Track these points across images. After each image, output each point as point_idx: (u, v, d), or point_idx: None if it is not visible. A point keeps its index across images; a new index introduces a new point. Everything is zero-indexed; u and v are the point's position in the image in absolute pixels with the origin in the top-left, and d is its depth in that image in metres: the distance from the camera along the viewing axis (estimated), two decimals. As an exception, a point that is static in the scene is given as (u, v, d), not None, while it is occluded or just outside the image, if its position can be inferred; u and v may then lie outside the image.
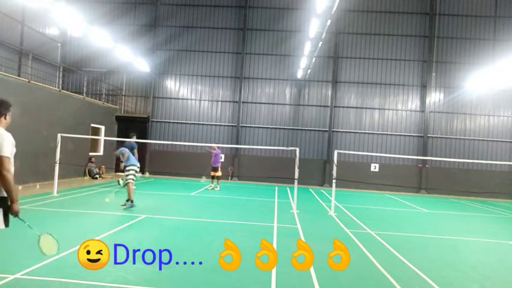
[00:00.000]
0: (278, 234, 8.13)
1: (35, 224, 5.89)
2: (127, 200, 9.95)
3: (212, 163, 16.35)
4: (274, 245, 7.14)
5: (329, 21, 13.88)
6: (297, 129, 22.26)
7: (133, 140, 16.30)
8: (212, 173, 16.50)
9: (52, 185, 12.50)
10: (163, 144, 21.92)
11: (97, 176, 18.29)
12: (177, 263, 5.79)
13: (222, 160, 16.53)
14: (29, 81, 14.65)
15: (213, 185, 16.58)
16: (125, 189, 10.24)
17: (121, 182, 10.89)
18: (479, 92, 21.33)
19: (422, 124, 21.77)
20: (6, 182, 3.91)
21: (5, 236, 6.69)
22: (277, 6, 22.48)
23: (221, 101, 22.71)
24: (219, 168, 16.36)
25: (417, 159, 21.12)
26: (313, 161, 21.94)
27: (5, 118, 4.29)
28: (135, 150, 16.41)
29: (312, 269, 5.74)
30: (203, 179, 16.10)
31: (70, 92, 17.98)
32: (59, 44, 22.63)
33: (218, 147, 16.77)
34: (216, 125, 22.56)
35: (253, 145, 21.64)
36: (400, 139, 21.90)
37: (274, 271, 5.56)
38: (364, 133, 21.98)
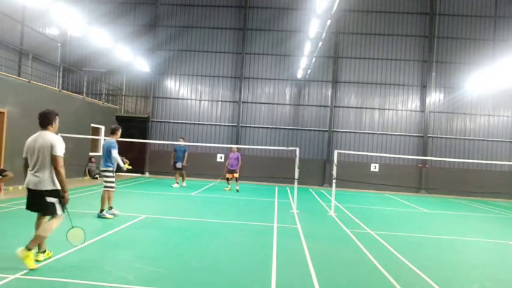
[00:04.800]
0: (278, 234, 8.14)
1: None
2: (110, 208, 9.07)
3: (229, 165, 16.17)
4: (274, 245, 7.14)
5: (329, 21, 13.88)
6: (297, 129, 22.26)
7: (182, 143, 16.41)
8: (228, 175, 16.30)
9: (52, 185, 12.49)
10: (163, 144, 21.92)
11: (97, 176, 18.29)
12: (177, 263, 5.80)
13: (240, 163, 16.28)
14: (29, 81, 14.65)
15: (229, 186, 16.50)
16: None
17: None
18: (479, 92, 21.33)
19: (422, 124, 21.78)
20: (61, 176, 5.01)
21: (5, 236, 6.71)
22: (277, 6, 22.48)
23: (221, 101, 22.71)
24: (237, 170, 16.14)
25: (417, 159, 21.13)
26: (313, 161, 21.95)
27: (53, 125, 5.23)
28: (186, 153, 16.50)
29: (312, 269, 5.75)
30: (219, 180, 16.14)
31: (70, 92, 17.97)
32: (59, 44, 22.63)
33: (233, 148, 16.63)
34: (216, 125, 22.57)
35: (253, 145, 21.64)
36: (400, 139, 21.91)
37: (274, 271, 5.56)
38: (364, 133, 21.98)
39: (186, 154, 16.62)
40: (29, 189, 5.15)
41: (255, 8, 22.62)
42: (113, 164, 8.94)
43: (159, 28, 22.93)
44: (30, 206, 5.21)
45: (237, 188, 16.34)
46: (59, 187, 5.06)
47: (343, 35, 22.29)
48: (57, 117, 5.27)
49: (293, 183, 12.14)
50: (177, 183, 16.55)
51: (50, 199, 5.03)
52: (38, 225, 5.32)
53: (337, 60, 22.23)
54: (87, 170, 18.38)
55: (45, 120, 5.17)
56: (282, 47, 22.43)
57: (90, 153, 19.09)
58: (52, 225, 5.14)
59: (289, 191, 17.02)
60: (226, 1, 22.74)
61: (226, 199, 13.84)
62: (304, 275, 5.48)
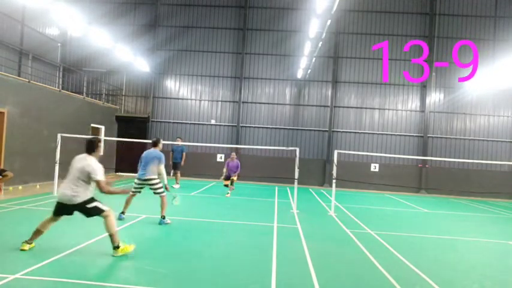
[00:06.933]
0: (278, 234, 8.13)
1: (35, 223, 5.92)
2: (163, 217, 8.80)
3: (227, 173, 14.73)
4: (274, 245, 7.14)
5: (329, 21, 13.89)
6: (297, 129, 22.26)
7: (179, 143, 16.18)
8: (226, 182, 14.73)
9: (52, 185, 12.50)
10: (163, 144, 21.86)
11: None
12: (177, 263, 5.80)
13: (239, 171, 15.02)
14: (29, 81, 14.65)
15: (232, 188, 14.98)
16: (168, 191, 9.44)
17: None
18: (479, 92, 21.33)
19: (422, 124, 21.77)
20: (109, 193, 5.90)
21: (5, 236, 6.71)
22: (277, 6, 22.48)
23: (221, 101, 22.71)
24: (234, 175, 14.81)
25: (417, 159, 21.12)
26: (313, 161, 21.95)
27: (95, 151, 6.02)
28: (185, 153, 16.19)
29: (312, 269, 5.75)
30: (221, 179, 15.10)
31: (70, 92, 17.98)
32: (59, 44, 22.62)
33: (232, 156, 15.24)
34: (216, 125, 22.57)
35: (253, 145, 21.64)
36: (400, 139, 21.91)
37: (274, 271, 5.56)
38: (364, 133, 21.98)
39: (184, 154, 16.53)
40: (61, 204, 5.79)
41: (255, 8, 22.62)
42: None
43: (159, 28, 22.93)
44: (60, 213, 5.91)
45: (230, 190, 14.76)
46: (91, 196, 5.84)
47: (343, 35, 22.29)
48: (99, 143, 6.15)
49: (293, 183, 12.14)
50: (177, 183, 16.53)
51: (90, 205, 5.78)
52: (45, 225, 5.94)
53: (337, 60, 22.23)
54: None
55: (90, 146, 6.01)
56: (282, 47, 22.43)
57: (90, 153, 19.07)
58: (110, 221, 5.85)
59: (289, 191, 17.02)
60: (226, 1, 22.73)
61: (226, 199, 13.84)
62: (304, 275, 5.48)
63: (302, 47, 19.55)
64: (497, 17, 21.63)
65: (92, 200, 5.84)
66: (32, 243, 5.88)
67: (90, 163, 5.80)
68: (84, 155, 5.99)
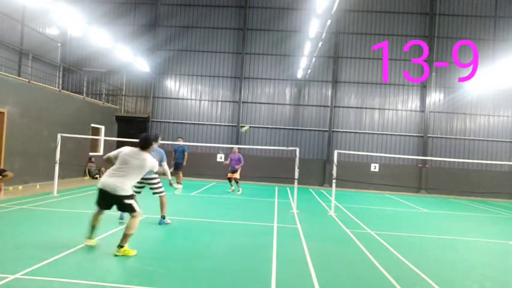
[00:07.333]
0: (278, 234, 8.13)
1: (35, 223, 5.90)
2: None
3: (230, 166, 15.31)
4: (274, 245, 7.14)
5: (329, 21, 13.89)
6: (297, 129, 22.27)
7: (181, 143, 15.84)
8: (230, 175, 15.43)
9: (52, 185, 12.50)
10: (163, 144, 21.82)
11: (97, 176, 18.29)
12: (177, 263, 5.80)
13: (242, 163, 15.42)
14: (29, 81, 14.64)
15: (233, 187, 15.74)
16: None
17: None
18: (479, 92, 21.33)
19: (422, 124, 21.78)
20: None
21: (5, 236, 6.71)
22: (277, 6, 22.48)
23: (221, 101, 22.71)
24: (238, 170, 15.29)
25: (417, 159, 21.13)
26: (313, 161, 21.95)
27: (149, 148, 6.18)
28: (186, 153, 15.48)
29: (312, 269, 5.75)
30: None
31: (70, 92, 17.97)
32: (59, 44, 22.62)
33: (233, 149, 15.59)
34: (216, 125, 22.57)
35: (253, 145, 21.64)
36: (400, 139, 21.91)
37: (274, 271, 5.56)
38: (364, 133, 21.98)
39: (185, 154, 16.44)
40: (103, 191, 5.85)
41: (255, 8, 22.62)
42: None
43: (159, 28, 22.93)
44: (102, 205, 6.03)
45: (239, 191, 15.52)
46: (132, 193, 6.03)
47: (343, 35, 22.29)
48: (154, 141, 6.53)
49: (293, 183, 12.13)
50: (178, 183, 16.45)
51: (127, 201, 5.87)
52: (95, 218, 6.15)
53: (337, 60, 22.23)
54: (87, 170, 18.38)
55: (145, 144, 6.11)
56: (282, 47, 22.43)
57: (90, 153, 19.08)
58: (135, 222, 5.97)
59: (289, 191, 17.02)
60: (226, 1, 22.74)
61: (226, 199, 13.84)
62: (304, 275, 5.48)
63: (302, 47, 19.55)
64: (497, 17, 21.64)
65: (132, 197, 6.02)
66: (93, 238, 6.19)
67: (149, 160, 6.06)
68: (137, 150, 6.07)
